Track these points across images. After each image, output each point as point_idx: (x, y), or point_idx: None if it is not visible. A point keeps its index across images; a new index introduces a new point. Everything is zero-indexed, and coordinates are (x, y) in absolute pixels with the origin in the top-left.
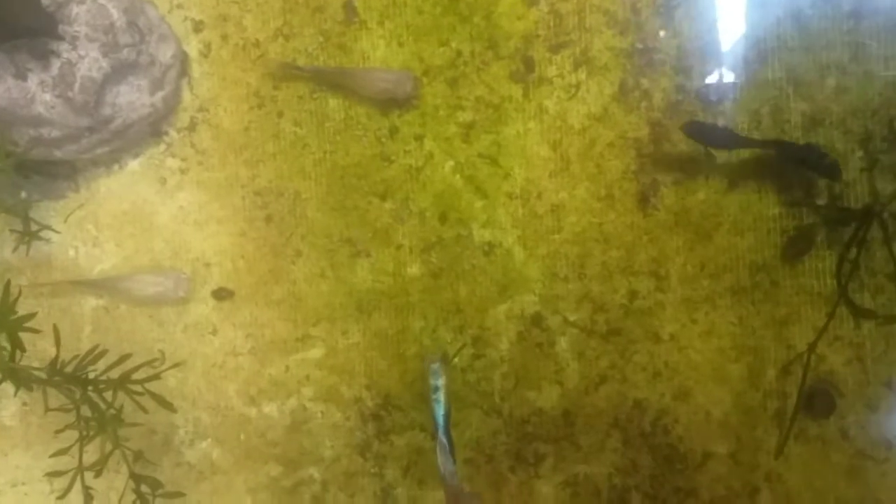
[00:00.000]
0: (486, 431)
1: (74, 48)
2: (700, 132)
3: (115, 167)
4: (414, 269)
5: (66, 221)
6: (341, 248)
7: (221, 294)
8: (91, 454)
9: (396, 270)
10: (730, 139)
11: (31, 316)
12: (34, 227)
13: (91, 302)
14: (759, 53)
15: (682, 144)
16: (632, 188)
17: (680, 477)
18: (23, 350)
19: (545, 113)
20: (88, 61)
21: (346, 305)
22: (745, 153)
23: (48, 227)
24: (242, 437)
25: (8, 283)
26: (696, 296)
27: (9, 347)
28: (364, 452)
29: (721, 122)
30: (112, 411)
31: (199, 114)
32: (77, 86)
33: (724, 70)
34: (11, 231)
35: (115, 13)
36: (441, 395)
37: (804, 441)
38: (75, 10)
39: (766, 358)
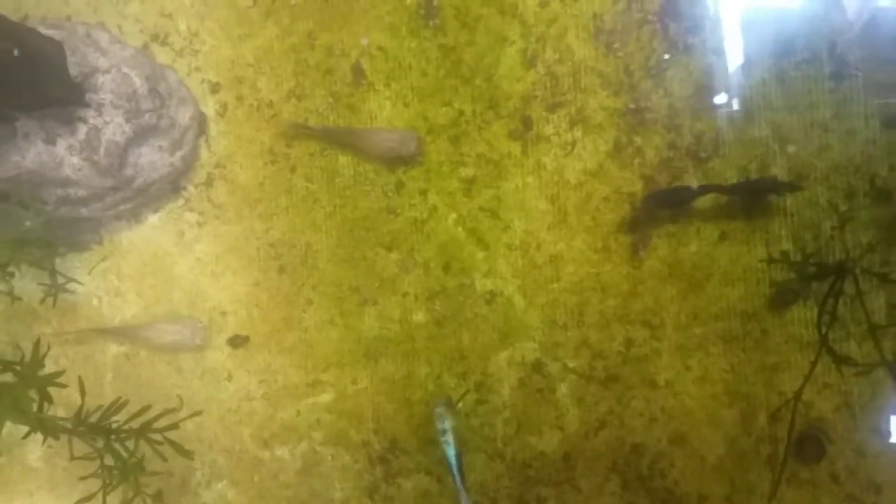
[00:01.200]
0: (490, 475)
1: (100, 115)
2: (660, 200)
3: (137, 221)
4: (419, 317)
5: (90, 273)
6: (350, 296)
7: (237, 341)
8: (113, 498)
9: (402, 318)
10: (689, 194)
11: (60, 373)
12: (61, 280)
13: (113, 349)
14: (747, 112)
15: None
16: (626, 240)
17: None
18: (50, 402)
19: (543, 169)
20: (113, 126)
21: (354, 352)
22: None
23: (73, 280)
24: (256, 478)
25: (38, 341)
26: (689, 343)
27: (37, 399)
28: (372, 494)
29: (673, 183)
30: (134, 460)
31: (216, 170)
32: (102, 150)
33: (713, 128)
34: (39, 284)
35: (137, 81)
36: (450, 437)
37: (796, 485)
38: (101, 79)
39: (757, 404)
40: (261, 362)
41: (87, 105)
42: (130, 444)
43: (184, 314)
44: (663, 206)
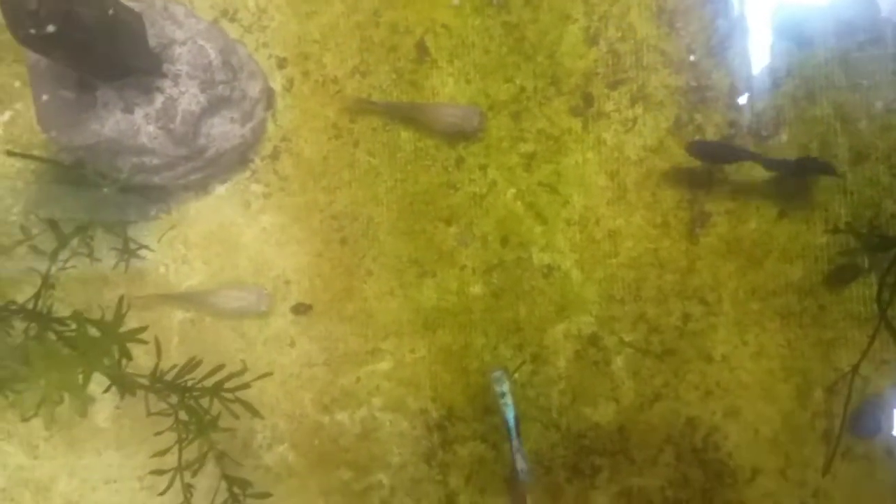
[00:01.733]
0: (545, 444)
1: (176, 85)
2: (702, 150)
3: (204, 192)
4: (476, 289)
5: (159, 241)
6: (409, 268)
7: (299, 309)
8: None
9: (460, 290)
10: (730, 154)
11: (143, 329)
12: (133, 246)
13: (178, 315)
14: (808, 92)
15: (733, 175)
16: (686, 216)
17: (730, 491)
18: (129, 359)
19: (603, 145)
20: (188, 97)
21: (413, 322)
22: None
23: (145, 247)
24: (316, 442)
25: (121, 299)
26: (746, 319)
27: (116, 356)
28: (429, 460)
29: (721, 139)
30: (208, 417)
31: (282, 143)
32: (178, 118)
33: (774, 107)
34: (111, 249)
35: (212, 53)
36: (508, 400)
37: (851, 459)
38: (178, 50)
39: (813, 379)
40: (322, 330)
41: (164, 75)
42: (201, 403)
43: (249, 282)
44: (703, 156)
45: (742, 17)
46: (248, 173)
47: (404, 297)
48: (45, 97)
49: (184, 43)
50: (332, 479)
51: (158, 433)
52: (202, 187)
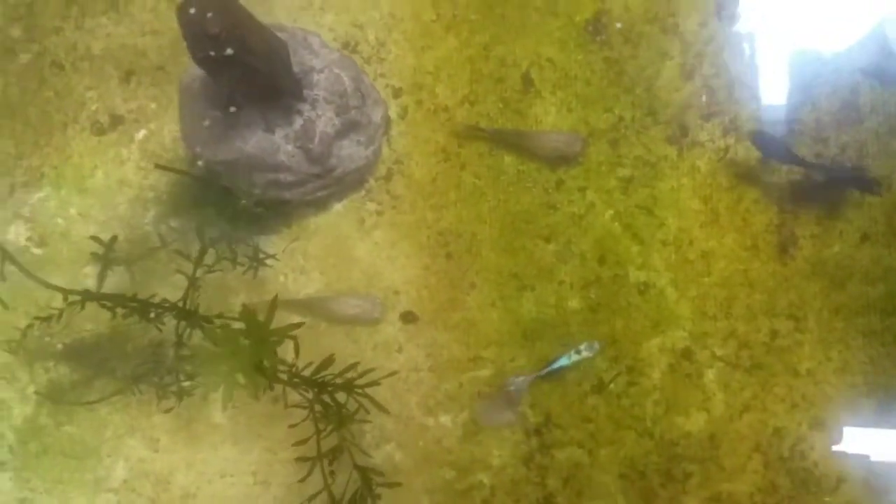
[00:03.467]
0: (639, 451)
1: (314, 108)
2: (763, 142)
3: (324, 208)
4: (574, 304)
5: (283, 252)
6: (510, 282)
7: (407, 318)
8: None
9: (558, 304)
10: (786, 155)
11: (299, 325)
12: (261, 256)
13: (295, 320)
14: (891, 128)
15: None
16: (774, 240)
17: (815, 499)
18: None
19: (697, 171)
20: (325, 119)
21: (512, 332)
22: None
23: (272, 256)
24: (421, 443)
25: (274, 298)
26: (830, 336)
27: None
28: (528, 463)
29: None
30: (344, 411)
31: (395, 166)
32: (316, 139)
33: (858, 141)
34: (241, 258)
35: (346, 80)
36: (576, 358)
37: None
38: (316, 77)
39: (895, 395)
40: (428, 337)
41: (303, 99)
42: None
43: (361, 292)
44: (761, 147)
45: (829, 57)
46: (363, 192)
47: (505, 308)
48: (194, 116)
49: (321, 71)
50: (435, 478)
51: (293, 425)
52: (322, 205)
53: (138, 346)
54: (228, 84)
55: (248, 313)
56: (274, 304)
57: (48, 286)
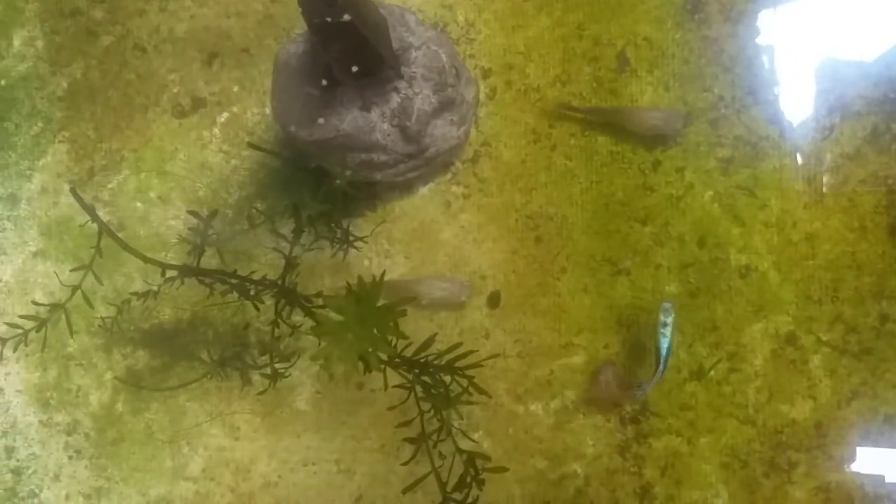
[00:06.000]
0: (741, 439)
1: (411, 86)
2: None
3: (409, 192)
4: (672, 288)
5: (370, 234)
6: (603, 266)
7: (494, 303)
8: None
9: (655, 288)
10: None
11: (411, 299)
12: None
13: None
14: None
15: None
16: (883, 221)
17: None
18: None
19: (800, 151)
20: (422, 97)
21: (606, 318)
22: None
23: (361, 239)
24: (511, 431)
25: (382, 274)
26: None
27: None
28: (623, 452)
29: None
30: (450, 392)
31: (482, 148)
32: (414, 117)
33: None
34: (329, 240)
35: (444, 57)
36: (668, 331)
37: None
38: (414, 54)
39: None
40: (516, 323)
41: (401, 77)
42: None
43: (447, 276)
44: None
45: None
46: (449, 176)
47: (598, 293)
48: (290, 94)
49: (419, 48)
50: (526, 467)
51: (392, 407)
52: (408, 188)
53: (219, 332)
54: (338, 54)
55: (363, 285)
56: (381, 280)
57: (146, 260)
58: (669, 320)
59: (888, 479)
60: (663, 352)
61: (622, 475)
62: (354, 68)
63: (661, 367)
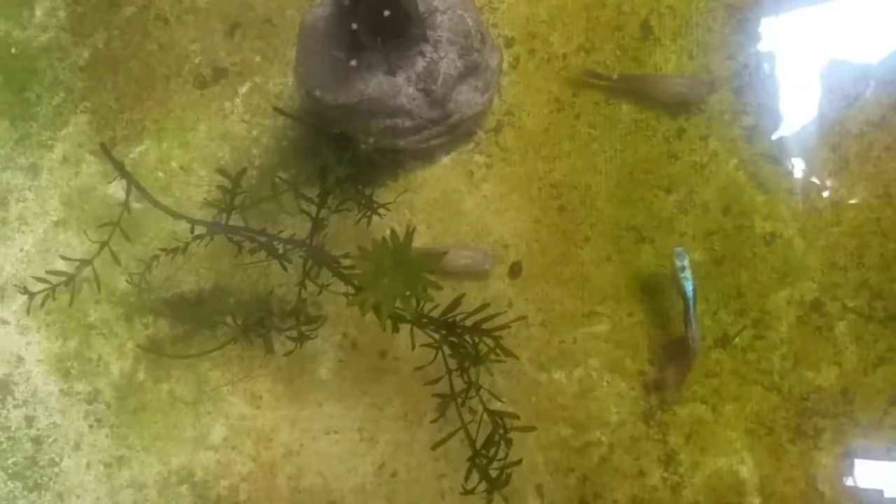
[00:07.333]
0: (766, 406)
1: (436, 50)
2: None
3: (430, 161)
4: (697, 255)
5: (393, 202)
6: (627, 235)
7: (516, 272)
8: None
9: None
10: None
11: (442, 253)
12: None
13: None
14: None
15: None
16: None
17: None
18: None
19: (824, 119)
20: (447, 61)
21: (630, 287)
22: None
23: (384, 206)
24: (534, 399)
25: (412, 229)
26: None
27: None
28: (648, 420)
29: None
30: (482, 350)
31: (505, 117)
32: (440, 80)
33: None
34: (356, 202)
35: (470, 22)
36: (687, 274)
37: None
38: (439, 18)
39: None
40: (539, 292)
41: (426, 40)
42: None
43: (469, 246)
44: None
45: None
46: (471, 145)
47: (622, 262)
48: (316, 58)
49: (444, 12)
50: (550, 434)
51: (419, 368)
52: (430, 157)
53: (242, 300)
54: (366, 11)
55: (395, 237)
56: (412, 233)
57: (176, 215)
58: (685, 262)
59: None
60: (689, 294)
61: (646, 442)
62: (386, 12)
63: (692, 309)
